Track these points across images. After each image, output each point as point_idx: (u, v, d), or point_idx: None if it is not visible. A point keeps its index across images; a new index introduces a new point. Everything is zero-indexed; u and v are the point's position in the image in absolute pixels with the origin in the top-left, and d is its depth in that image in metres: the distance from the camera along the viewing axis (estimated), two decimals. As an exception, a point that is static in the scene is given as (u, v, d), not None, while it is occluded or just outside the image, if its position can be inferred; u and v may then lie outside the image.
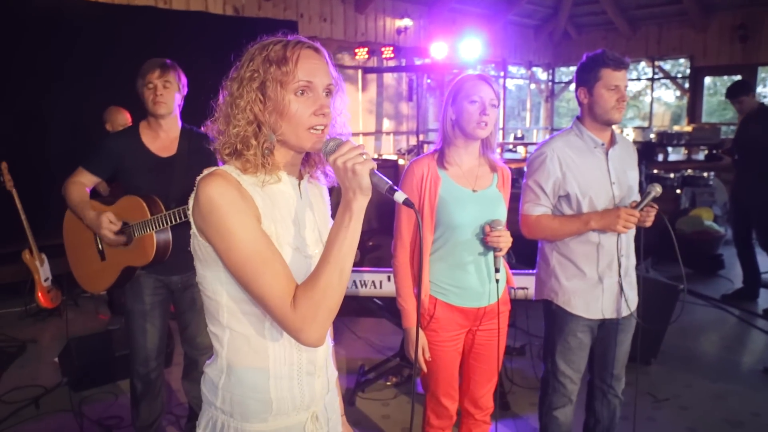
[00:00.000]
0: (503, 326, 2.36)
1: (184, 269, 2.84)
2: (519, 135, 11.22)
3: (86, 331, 4.53)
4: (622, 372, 2.64)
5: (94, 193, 2.92)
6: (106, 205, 2.81)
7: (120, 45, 5.91)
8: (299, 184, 1.41)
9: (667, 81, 12.07)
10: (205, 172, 1.30)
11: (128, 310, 2.91)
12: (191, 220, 1.31)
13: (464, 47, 7.60)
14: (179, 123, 2.86)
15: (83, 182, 2.81)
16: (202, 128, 1.40)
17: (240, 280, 1.26)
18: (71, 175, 2.83)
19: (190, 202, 1.30)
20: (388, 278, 4.03)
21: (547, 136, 10.95)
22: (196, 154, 2.79)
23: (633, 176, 2.52)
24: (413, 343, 2.26)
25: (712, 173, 8.27)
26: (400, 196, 1.19)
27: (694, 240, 7.00)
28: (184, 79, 2.83)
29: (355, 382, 3.87)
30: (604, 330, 2.56)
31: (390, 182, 1.20)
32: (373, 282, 4.01)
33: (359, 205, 1.21)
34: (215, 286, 1.34)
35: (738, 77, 9.35)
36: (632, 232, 2.51)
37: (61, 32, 5.70)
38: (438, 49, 7.40)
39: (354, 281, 4.01)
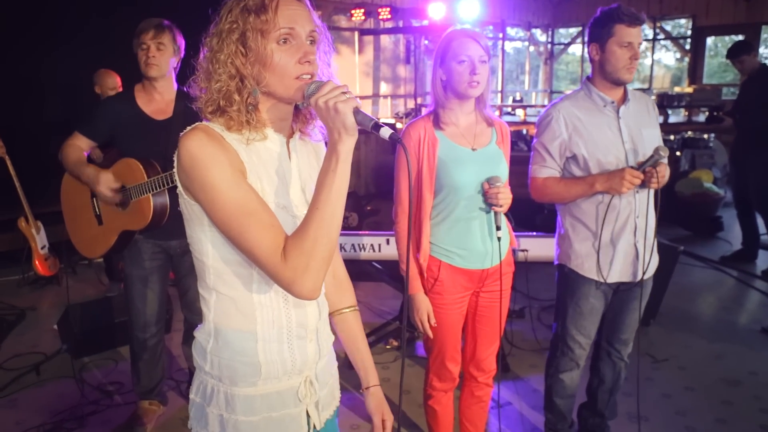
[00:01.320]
0: (507, 287, 2.34)
1: (182, 234, 2.76)
2: (518, 98, 11.09)
3: (85, 298, 4.52)
4: (632, 337, 2.62)
5: (88, 160, 2.88)
6: (103, 168, 2.77)
7: (115, 6, 5.73)
8: (288, 142, 1.36)
9: (668, 43, 11.90)
10: (188, 128, 1.25)
11: (127, 275, 2.89)
12: (176, 178, 1.26)
13: (463, 7, 7.44)
14: (175, 85, 2.81)
15: (80, 146, 2.78)
16: (185, 88, 1.34)
17: (227, 236, 1.22)
18: (66, 140, 2.79)
19: (175, 159, 1.25)
20: (387, 241, 4.01)
21: (546, 99, 10.81)
22: (194, 117, 2.73)
23: (651, 134, 2.41)
24: (419, 308, 2.25)
25: (712, 135, 8.20)
26: (385, 132, 1.13)
27: (694, 202, 6.98)
28: (181, 42, 2.75)
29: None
30: (618, 295, 2.52)
31: (375, 119, 1.14)
32: (371, 245, 3.99)
33: (346, 146, 1.16)
34: (202, 245, 1.30)
35: (741, 37, 9.21)
36: (647, 192, 2.42)
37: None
38: (436, 10, 7.25)
39: (353, 245, 3.99)
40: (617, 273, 2.43)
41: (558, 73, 13.40)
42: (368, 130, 1.14)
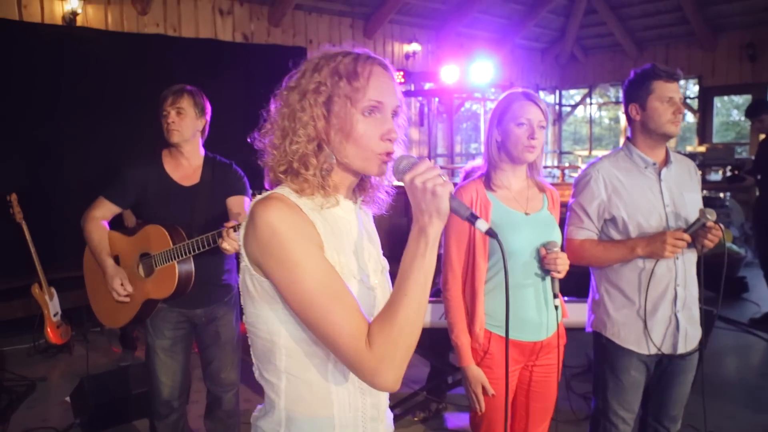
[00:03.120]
0: (560, 360, 2.19)
1: (207, 302, 2.73)
2: (527, 158, 11.10)
3: (97, 367, 4.36)
4: (681, 413, 2.45)
5: (120, 224, 2.81)
6: (128, 236, 2.69)
7: (130, 73, 5.83)
8: (355, 208, 1.29)
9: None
10: (259, 196, 1.17)
11: (149, 345, 2.77)
12: (242, 251, 1.17)
13: (475, 70, 7.54)
14: (202, 151, 2.76)
15: (103, 215, 2.71)
16: (249, 139, 1.27)
17: (304, 318, 1.12)
18: (91, 206, 2.72)
19: (241, 230, 1.17)
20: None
21: (555, 160, 10.83)
22: (220, 184, 2.70)
23: (692, 199, 2.34)
24: (472, 381, 2.10)
25: (728, 194, 8.15)
26: (482, 225, 1.09)
27: (715, 262, 6.84)
28: (206, 105, 2.72)
29: (382, 418, 3.68)
30: (662, 367, 2.37)
31: (470, 209, 1.10)
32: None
33: (435, 230, 1.09)
34: (272, 325, 1.19)
35: (748, 96, 9.30)
36: (691, 260, 2.33)
37: (72, 61, 5.63)
38: (449, 73, 7.34)
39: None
40: (657, 344, 2.30)
41: (562, 134, 13.51)
42: (462, 219, 1.09)
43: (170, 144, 2.69)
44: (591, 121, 12.43)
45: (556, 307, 2.08)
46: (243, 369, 2.89)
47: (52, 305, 4.63)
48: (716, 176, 9.01)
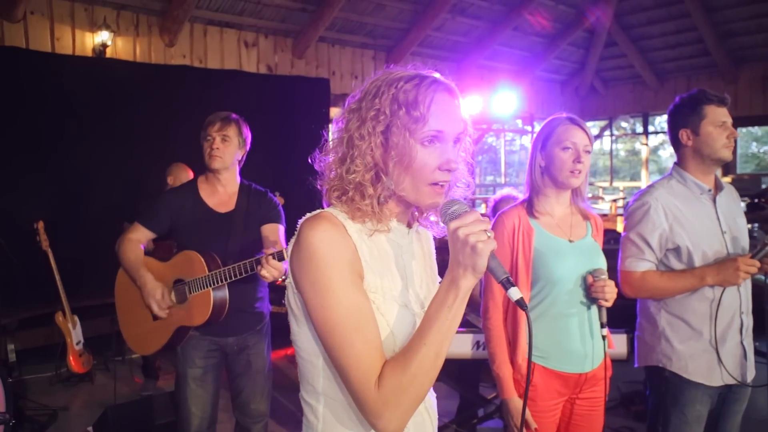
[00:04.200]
0: (606, 394, 2.11)
1: (240, 330, 2.69)
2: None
3: (119, 397, 4.30)
4: None
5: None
6: (162, 261, 2.67)
7: (157, 103, 5.92)
8: (408, 233, 1.25)
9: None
10: (310, 214, 1.15)
11: (179, 374, 2.72)
12: (289, 267, 1.15)
13: (498, 101, 7.56)
14: (238, 178, 2.76)
15: (138, 239, 2.70)
16: (309, 159, 1.25)
17: (324, 343, 1.10)
18: (126, 231, 2.72)
19: (289, 246, 1.15)
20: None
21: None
22: (255, 212, 2.68)
23: (742, 224, 2.31)
24: (514, 414, 2.02)
25: (756, 225, 8.00)
26: (515, 293, 1.04)
27: (753, 294, 6.68)
28: (247, 135, 2.73)
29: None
30: (722, 399, 2.29)
31: (507, 273, 1.05)
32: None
33: (468, 284, 1.05)
34: (311, 345, 1.16)
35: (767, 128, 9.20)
36: (750, 286, 2.27)
37: (101, 91, 5.71)
38: (471, 103, 7.35)
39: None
40: (727, 375, 2.21)
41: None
42: (497, 281, 1.06)
43: (209, 169, 2.68)
44: (611, 152, 12.35)
45: (604, 338, 2.00)
46: (272, 401, 2.83)
47: (75, 333, 4.60)
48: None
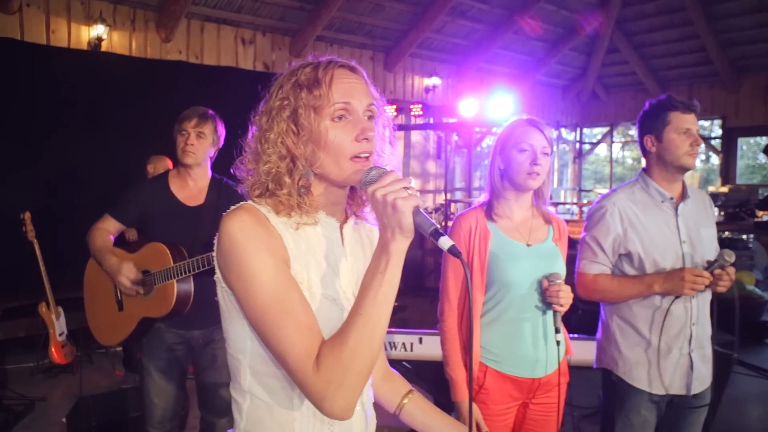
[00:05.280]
0: (561, 400, 2.09)
1: (206, 323, 2.68)
2: (547, 195, 11.02)
3: (99, 389, 4.31)
4: None
5: (123, 242, 2.81)
6: (130, 252, 2.68)
7: (151, 99, 5.93)
8: (341, 227, 1.22)
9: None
10: (232, 207, 1.14)
11: (143, 366, 2.72)
12: (216, 263, 1.14)
13: (494, 104, 7.53)
14: (209, 173, 2.76)
15: (108, 229, 2.71)
16: (231, 170, 1.25)
17: (259, 333, 1.08)
18: (96, 222, 2.73)
19: (216, 242, 1.14)
20: (420, 340, 3.79)
21: (575, 198, 10.71)
22: (225, 206, 2.66)
23: (709, 234, 2.26)
24: (466, 417, 2.00)
25: (751, 236, 7.95)
26: (445, 242, 1.00)
27: (735, 306, 6.63)
28: (222, 132, 2.73)
29: (382, 454, 3.57)
30: (673, 408, 2.26)
31: (435, 224, 1.01)
32: (403, 344, 3.76)
33: (399, 247, 1.02)
34: (238, 341, 1.15)
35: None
36: (706, 297, 2.24)
37: (95, 85, 5.73)
38: (467, 106, 7.34)
39: (384, 343, 3.76)
40: (670, 384, 2.19)
41: (583, 173, 13.42)
42: (426, 235, 1.01)
43: (181, 164, 2.68)
44: (611, 159, 12.30)
45: (558, 343, 1.98)
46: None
47: (59, 325, 4.61)
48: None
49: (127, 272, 2.55)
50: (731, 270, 2.09)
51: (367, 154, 1.13)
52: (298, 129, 1.13)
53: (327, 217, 1.20)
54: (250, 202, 1.17)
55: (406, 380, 1.44)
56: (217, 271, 1.14)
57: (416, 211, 1.00)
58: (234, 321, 1.15)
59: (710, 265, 2.10)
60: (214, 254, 1.14)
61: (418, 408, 1.41)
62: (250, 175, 1.18)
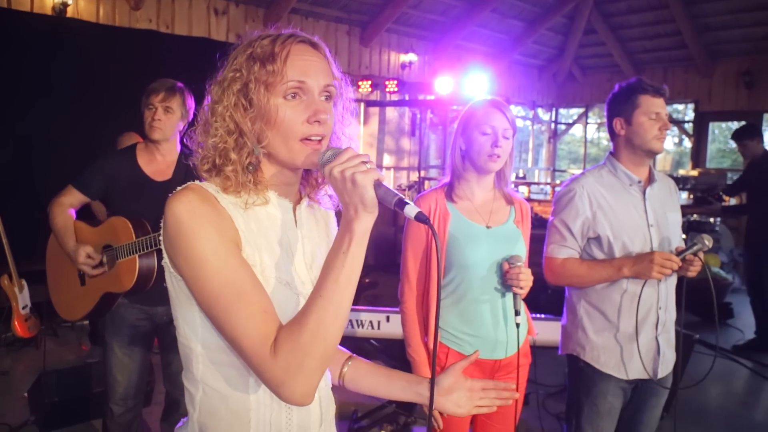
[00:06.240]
0: (522, 382, 2.11)
1: (169, 300, 2.63)
2: (521, 175, 11.08)
3: (64, 363, 4.26)
4: None
5: (90, 215, 2.74)
6: (93, 227, 2.62)
7: (119, 68, 5.75)
8: (294, 208, 1.18)
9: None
10: (177, 188, 1.09)
11: (106, 341, 2.70)
12: (163, 247, 1.09)
13: (469, 82, 7.50)
14: (178, 147, 2.70)
15: (70, 203, 2.64)
16: (184, 139, 1.20)
17: (212, 319, 1.04)
18: (59, 194, 2.66)
19: (162, 225, 1.08)
20: (387, 318, 3.80)
21: (549, 178, 10.78)
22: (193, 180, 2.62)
23: (674, 218, 2.28)
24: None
25: (718, 219, 8.10)
26: (411, 210, 0.97)
27: (701, 288, 6.78)
28: (191, 105, 2.66)
29: (347, 429, 3.60)
30: (638, 392, 2.29)
31: (399, 194, 0.98)
32: (370, 322, 3.77)
33: (362, 225, 0.99)
34: (188, 329, 1.11)
35: (743, 123, 9.29)
36: (673, 281, 2.26)
37: (60, 53, 5.55)
38: (443, 83, 7.30)
39: (350, 320, 3.76)
40: (638, 369, 2.21)
41: (558, 153, 13.50)
42: (391, 207, 0.98)
43: (149, 139, 2.62)
44: (585, 140, 12.38)
45: (518, 325, 1.99)
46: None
47: (22, 297, 4.51)
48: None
49: (86, 260, 2.49)
50: (696, 260, 2.11)
51: (319, 137, 1.09)
52: (248, 104, 1.08)
53: (279, 198, 1.16)
54: (197, 182, 1.12)
55: (344, 349, 1.38)
56: (165, 256, 1.09)
57: (377, 184, 0.97)
58: (184, 308, 1.11)
59: (682, 251, 2.10)
60: (161, 235, 1.09)
61: (360, 372, 1.35)
62: (200, 148, 1.14)
